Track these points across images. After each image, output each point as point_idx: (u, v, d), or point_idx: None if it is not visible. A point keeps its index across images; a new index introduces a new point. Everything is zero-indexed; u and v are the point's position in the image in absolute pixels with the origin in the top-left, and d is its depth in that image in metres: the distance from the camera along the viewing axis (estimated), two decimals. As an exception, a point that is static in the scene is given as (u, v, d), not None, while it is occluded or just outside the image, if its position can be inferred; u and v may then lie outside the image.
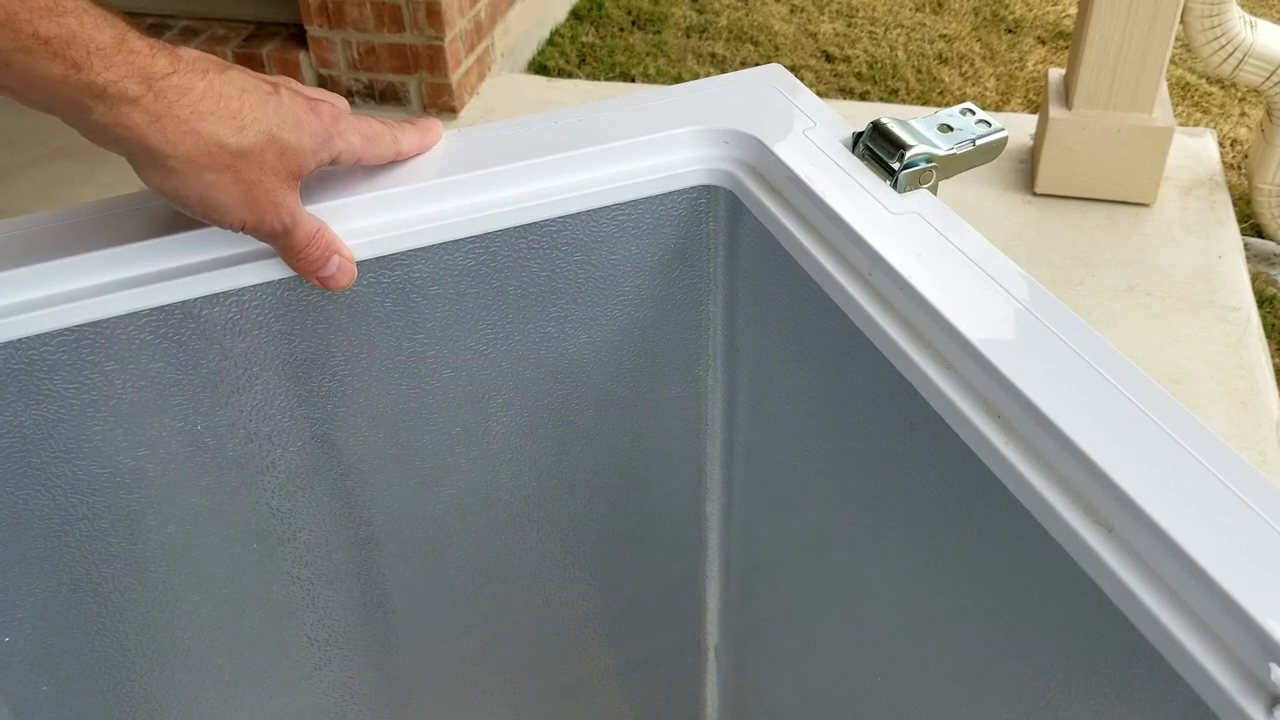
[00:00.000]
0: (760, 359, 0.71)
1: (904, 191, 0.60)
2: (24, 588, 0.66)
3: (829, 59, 2.88)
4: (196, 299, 0.60)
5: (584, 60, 2.87)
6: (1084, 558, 0.44)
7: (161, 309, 0.59)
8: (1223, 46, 2.06)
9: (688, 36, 2.97)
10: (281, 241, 0.57)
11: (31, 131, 2.52)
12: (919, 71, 2.81)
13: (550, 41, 2.95)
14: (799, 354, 0.66)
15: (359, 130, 0.58)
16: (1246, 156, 2.42)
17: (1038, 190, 2.17)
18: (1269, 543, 0.40)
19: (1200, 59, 2.11)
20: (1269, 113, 2.14)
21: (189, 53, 0.51)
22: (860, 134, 0.63)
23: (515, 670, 0.88)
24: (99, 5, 0.48)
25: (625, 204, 0.66)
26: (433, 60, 2.47)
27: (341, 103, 0.59)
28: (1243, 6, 2.08)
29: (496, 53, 2.69)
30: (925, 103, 2.70)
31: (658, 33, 2.98)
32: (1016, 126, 2.35)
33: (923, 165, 0.59)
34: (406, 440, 0.71)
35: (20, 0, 0.46)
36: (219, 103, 0.51)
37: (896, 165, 0.59)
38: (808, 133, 0.64)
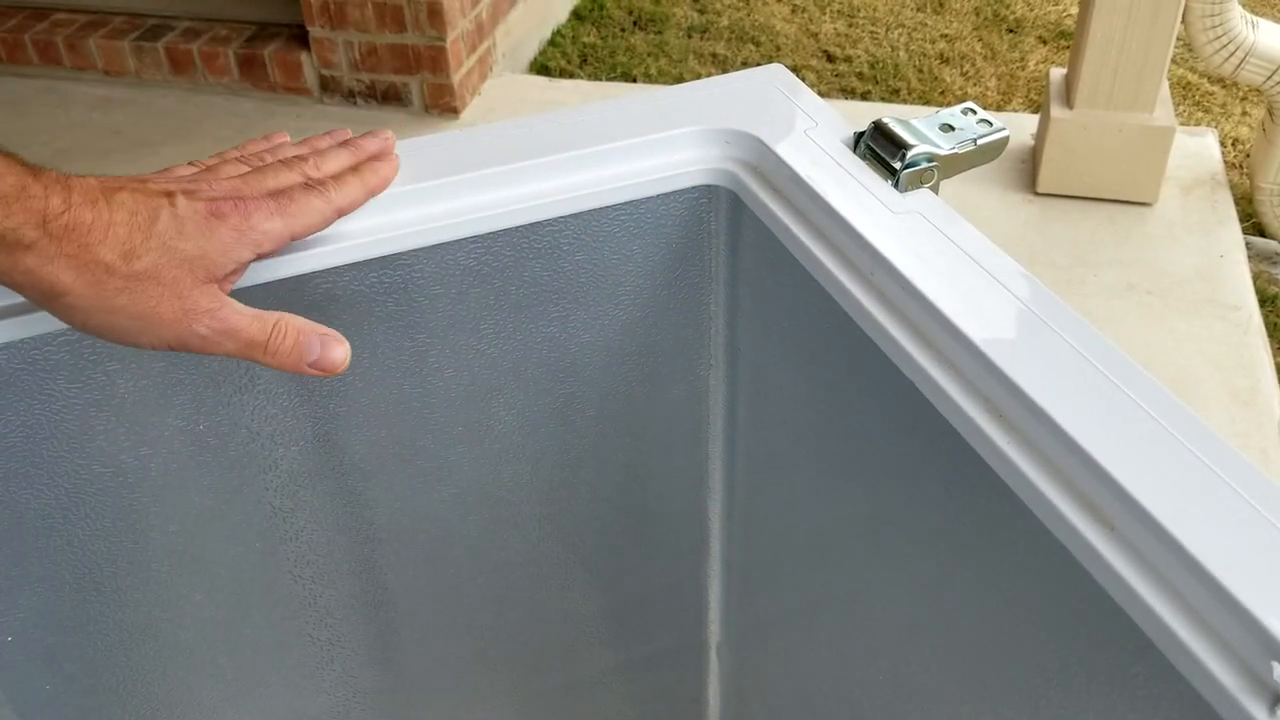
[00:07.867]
0: (762, 358, 0.71)
1: (905, 191, 0.60)
2: (26, 587, 0.66)
3: (830, 59, 2.88)
4: (199, 299, 0.60)
5: (585, 60, 2.87)
6: (1086, 557, 0.44)
7: (164, 309, 0.59)
8: (1224, 46, 2.06)
9: (689, 37, 2.97)
10: (239, 351, 0.54)
11: (33, 132, 2.52)
12: (920, 71, 2.81)
13: (552, 42, 2.95)
14: (801, 353, 0.66)
15: (277, 212, 0.55)
16: (1248, 156, 2.42)
17: (1039, 190, 2.17)
18: (1271, 541, 0.41)
19: (1201, 58, 2.11)
20: (1270, 112, 2.14)
21: (80, 182, 0.49)
22: (862, 134, 0.63)
23: (517, 669, 0.88)
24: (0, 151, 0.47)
25: (627, 204, 0.66)
26: (434, 61, 2.47)
27: (255, 186, 0.55)
28: (1244, 6, 2.08)
29: (498, 53, 2.69)
30: (926, 102, 2.70)
31: (659, 33, 2.98)
32: (1018, 126, 2.35)
33: (924, 165, 0.60)
34: (408, 440, 0.71)
35: None
36: (108, 230, 0.49)
37: (898, 165, 0.59)
38: (809, 132, 0.64)
